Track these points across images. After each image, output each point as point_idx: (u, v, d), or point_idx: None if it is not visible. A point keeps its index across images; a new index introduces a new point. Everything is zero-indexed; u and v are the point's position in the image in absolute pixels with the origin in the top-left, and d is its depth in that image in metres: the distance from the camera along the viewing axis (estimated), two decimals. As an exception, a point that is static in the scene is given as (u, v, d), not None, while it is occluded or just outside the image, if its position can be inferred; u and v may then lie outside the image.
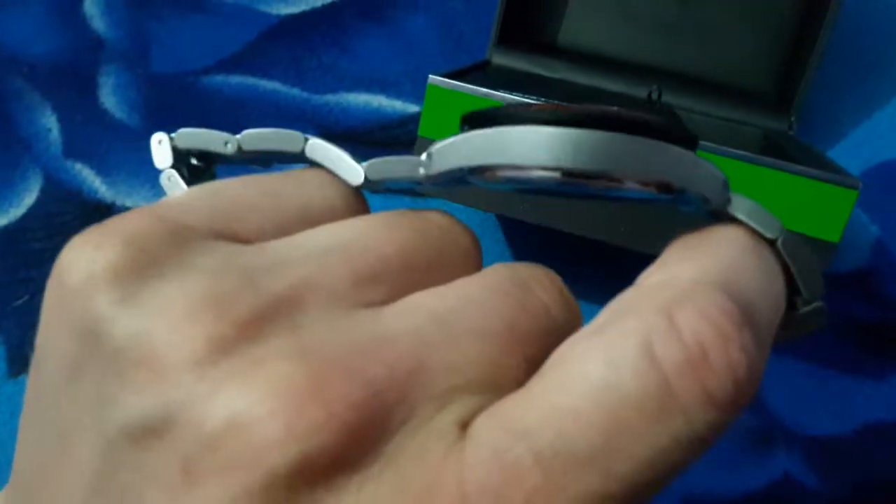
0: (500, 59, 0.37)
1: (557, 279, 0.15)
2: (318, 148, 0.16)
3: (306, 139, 0.16)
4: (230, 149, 0.17)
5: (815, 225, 0.28)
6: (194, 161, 0.18)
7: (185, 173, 0.17)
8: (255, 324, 0.12)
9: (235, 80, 0.39)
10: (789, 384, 0.34)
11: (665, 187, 0.13)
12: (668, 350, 0.11)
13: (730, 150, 0.28)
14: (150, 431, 0.11)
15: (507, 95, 0.28)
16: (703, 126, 0.37)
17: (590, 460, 0.11)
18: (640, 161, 0.13)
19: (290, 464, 0.11)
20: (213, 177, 0.19)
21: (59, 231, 0.35)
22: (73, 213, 0.35)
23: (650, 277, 0.13)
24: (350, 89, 0.39)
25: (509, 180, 0.14)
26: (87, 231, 0.13)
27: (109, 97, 0.38)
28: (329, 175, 0.16)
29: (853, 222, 0.37)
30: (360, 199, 0.16)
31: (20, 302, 0.33)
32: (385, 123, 0.38)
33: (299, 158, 0.16)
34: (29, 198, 0.36)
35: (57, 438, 0.12)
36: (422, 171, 0.15)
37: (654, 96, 0.36)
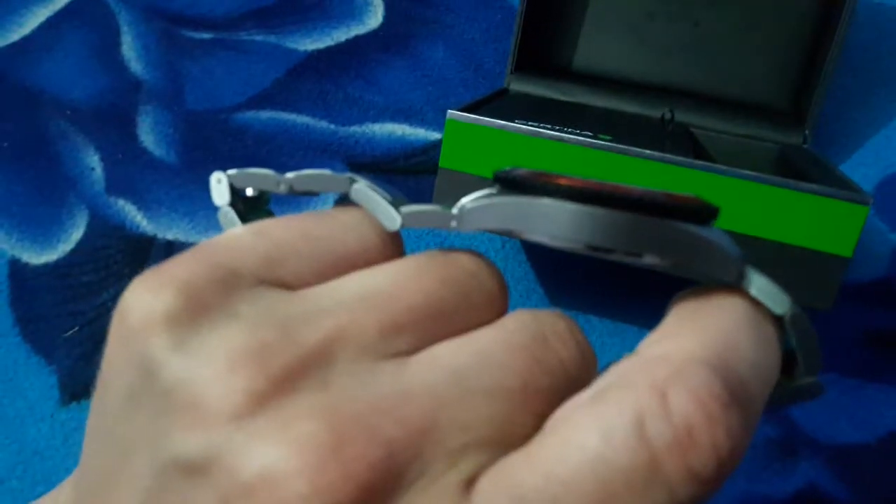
0: (518, 86, 0.39)
1: (577, 331, 0.15)
2: (361, 193, 0.17)
3: (351, 182, 0.17)
4: (283, 188, 0.18)
5: (828, 240, 0.29)
6: (250, 192, 0.19)
7: (241, 207, 0.19)
8: (288, 379, 0.13)
9: (266, 115, 0.40)
10: (812, 394, 0.35)
11: (678, 263, 0.14)
12: (657, 428, 0.12)
13: (741, 171, 0.29)
14: (194, 467, 0.13)
15: (523, 126, 0.29)
16: (718, 143, 0.38)
17: None
18: (654, 241, 0.14)
19: None
20: (267, 207, 0.20)
21: (104, 265, 0.37)
22: (117, 246, 0.37)
23: (650, 348, 0.14)
24: (375, 120, 0.40)
25: (535, 242, 0.15)
26: (146, 275, 0.15)
27: (148, 135, 0.40)
28: (365, 216, 0.17)
29: (871, 231, 0.38)
30: (394, 240, 0.17)
31: (70, 333, 0.35)
32: (409, 151, 0.40)
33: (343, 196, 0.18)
34: (76, 233, 0.38)
35: (118, 451, 0.14)
36: (453, 223, 0.16)
37: (668, 117, 0.37)
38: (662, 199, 0.14)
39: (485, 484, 0.13)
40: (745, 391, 0.13)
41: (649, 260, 0.14)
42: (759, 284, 0.15)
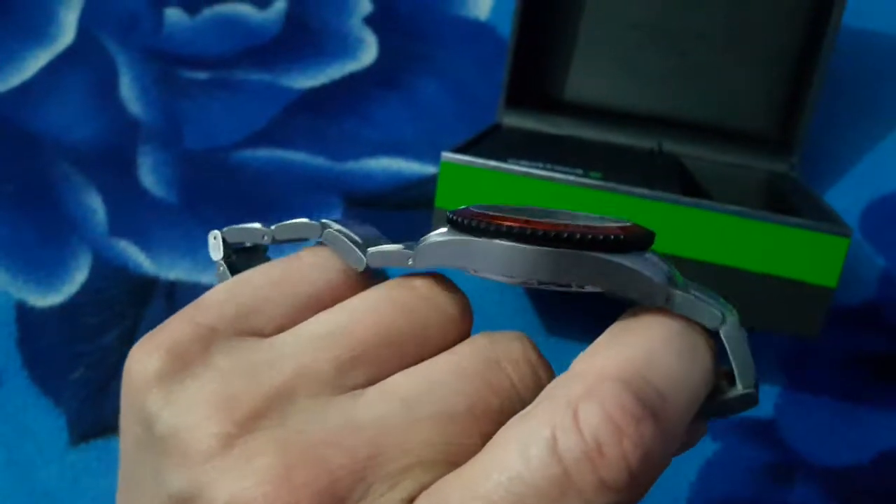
0: (510, 120, 0.40)
1: (531, 351, 0.17)
2: (331, 237, 0.19)
3: (324, 228, 0.19)
4: (266, 239, 0.20)
5: (813, 271, 0.30)
6: (247, 244, 0.21)
7: (241, 257, 0.21)
8: (252, 419, 0.15)
9: (263, 152, 0.41)
10: (805, 417, 0.36)
11: (607, 291, 0.16)
12: (568, 443, 0.13)
13: (726, 206, 0.30)
14: (184, 501, 0.15)
15: (515, 167, 0.30)
16: (707, 172, 0.39)
17: None
18: (581, 274, 0.15)
19: None
20: (265, 254, 0.22)
21: (108, 306, 0.38)
22: (120, 287, 0.38)
23: (576, 364, 0.16)
24: (371, 155, 0.41)
25: (485, 278, 0.16)
26: (142, 340, 0.17)
27: (148, 176, 0.41)
28: (331, 255, 0.19)
29: (859, 255, 0.39)
30: (363, 274, 0.19)
31: (77, 375, 0.36)
32: (405, 185, 0.41)
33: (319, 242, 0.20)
34: (81, 276, 0.38)
35: (134, 490, 0.17)
36: (410, 262, 0.18)
37: (657, 150, 0.38)
38: (585, 234, 0.15)
39: (422, 502, 0.14)
40: (663, 403, 0.14)
41: (576, 290, 0.16)
42: (689, 304, 0.16)
